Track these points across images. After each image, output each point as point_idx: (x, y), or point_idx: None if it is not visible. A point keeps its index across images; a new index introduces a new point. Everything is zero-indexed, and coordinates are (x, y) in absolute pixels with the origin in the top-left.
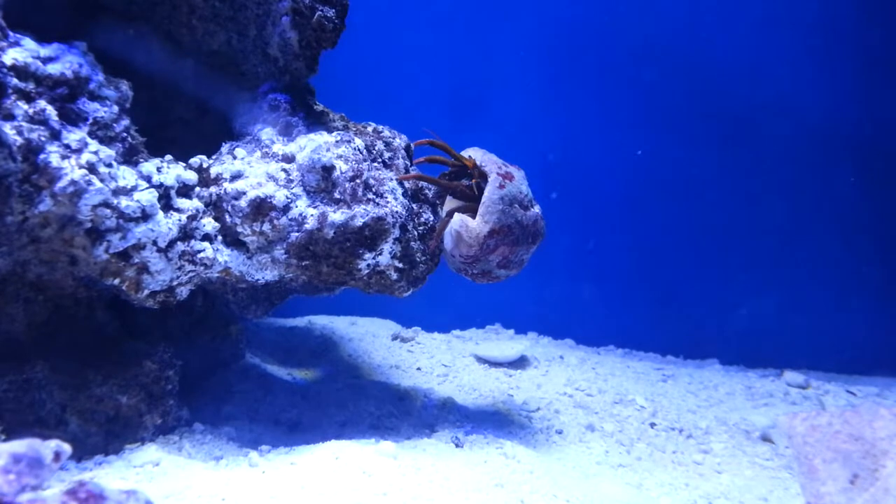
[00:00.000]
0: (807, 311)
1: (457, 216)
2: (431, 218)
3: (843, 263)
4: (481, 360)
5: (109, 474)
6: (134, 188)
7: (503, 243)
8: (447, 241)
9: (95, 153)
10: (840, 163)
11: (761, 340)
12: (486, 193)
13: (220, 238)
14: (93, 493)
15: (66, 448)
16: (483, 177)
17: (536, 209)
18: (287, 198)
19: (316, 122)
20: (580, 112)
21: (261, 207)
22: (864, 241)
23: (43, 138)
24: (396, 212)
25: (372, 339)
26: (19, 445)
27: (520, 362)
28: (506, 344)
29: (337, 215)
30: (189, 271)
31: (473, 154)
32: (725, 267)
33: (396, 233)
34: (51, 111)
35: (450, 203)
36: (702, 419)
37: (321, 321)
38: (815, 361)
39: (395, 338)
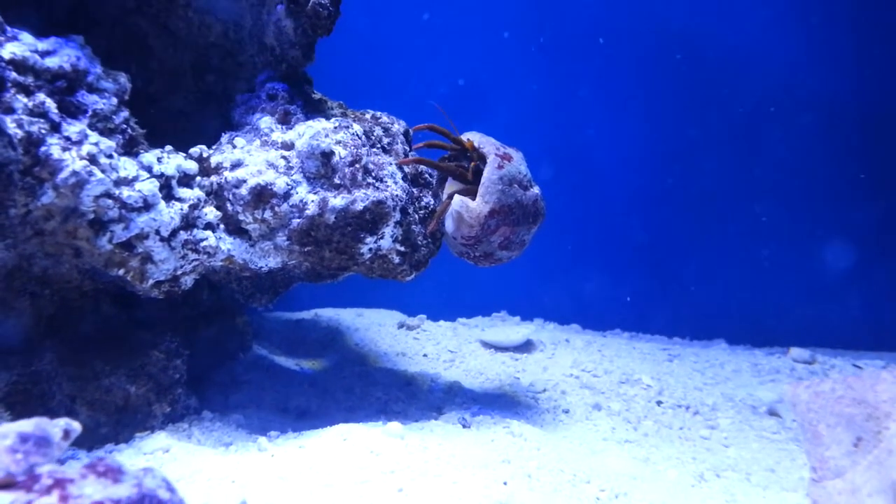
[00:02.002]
0: (813, 289)
1: (457, 197)
2: (432, 202)
3: (849, 240)
4: (487, 345)
5: (120, 461)
6: (135, 178)
7: (504, 223)
8: (448, 224)
9: (96, 144)
10: (844, 141)
11: (767, 319)
12: (485, 174)
13: (222, 226)
14: (111, 468)
15: (76, 426)
16: (482, 159)
17: (536, 190)
18: (287, 184)
19: (314, 109)
20: (582, 97)
21: (262, 195)
22: (869, 218)
23: (43, 131)
24: (397, 195)
25: (378, 329)
26: (26, 425)
27: (526, 346)
28: (511, 329)
29: (337, 200)
30: (193, 260)
31: (472, 137)
32: (730, 248)
33: (397, 216)
34: (50, 104)
35: (450, 186)
36: (708, 396)
37: (327, 313)
38: (821, 339)
39: (400, 326)
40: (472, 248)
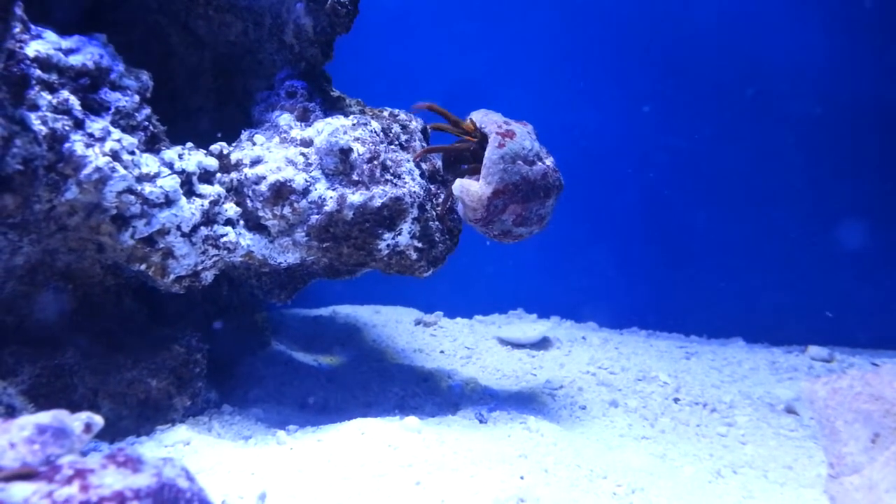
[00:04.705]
0: (831, 288)
1: (457, 182)
2: None
3: (867, 237)
4: (504, 342)
5: (140, 452)
6: (157, 175)
7: (512, 202)
8: (459, 209)
9: (118, 141)
10: (862, 137)
11: (786, 318)
12: (486, 155)
13: (241, 222)
14: (131, 458)
15: (98, 420)
16: (485, 138)
17: (547, 162)
18: (306, 181)
19: (333, 107)
20: (600, 93)
21: (281, 191)
22: (889, 216)
23: (67, 127)
24: (414, 192)
25: (395, 325)
26: (45, 417)
27: (542, 343)
28: (528, 325)
29: (355, 197)
30: (213, 255)
31: (475, 117)
32: (748, 246)
33: (415, 213)
34: (74, 101)
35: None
36: (726, 393)
37: (345, 310)
38: (839, 337)
39: (417, 323)
40: (488, 228)
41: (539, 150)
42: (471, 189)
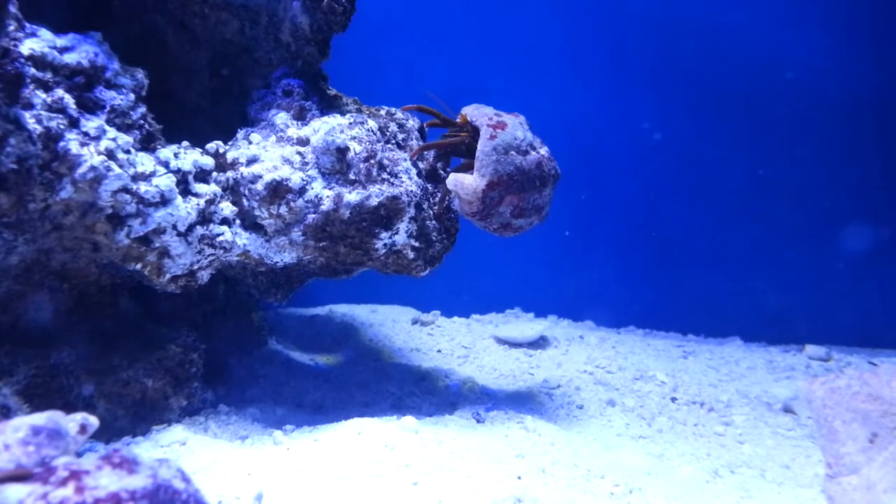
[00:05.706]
0: (829, 287)
1: (451, 176)
2: None
3: (865, 237)
4: (501, 341)
5: (136, 452)
6: (152, 174)
7: (508, 193)
8: (455, 204)
9: (114, 140)
10: (860, 135)
11: (783, 317)
12: (478, 147)
13: (238, 222)
14: (126, 459)
15: (93, 421)
16: (478, 132)
17: (541, 151)
18: (303, 180)
19: (329, 106)
20: (596, 92)
21: (277, 190)
22: (886, 215)
23: (62, 126)
24: (411, 191)
25: (392, 325)
26: (39, 418)
27: (539, 343)
28: (525, 325)
29: (352, 196)
30: (209, 255)
31: (466, 111)
32: (745, 245)
33: (412, 212)
34: (69, 100)
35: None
36: (723, 393)
37: (342, 309)
38: (837, 336)
39: (414, 322)
40: (487, 223)
41: (532, 139)
42: (465, 182)
